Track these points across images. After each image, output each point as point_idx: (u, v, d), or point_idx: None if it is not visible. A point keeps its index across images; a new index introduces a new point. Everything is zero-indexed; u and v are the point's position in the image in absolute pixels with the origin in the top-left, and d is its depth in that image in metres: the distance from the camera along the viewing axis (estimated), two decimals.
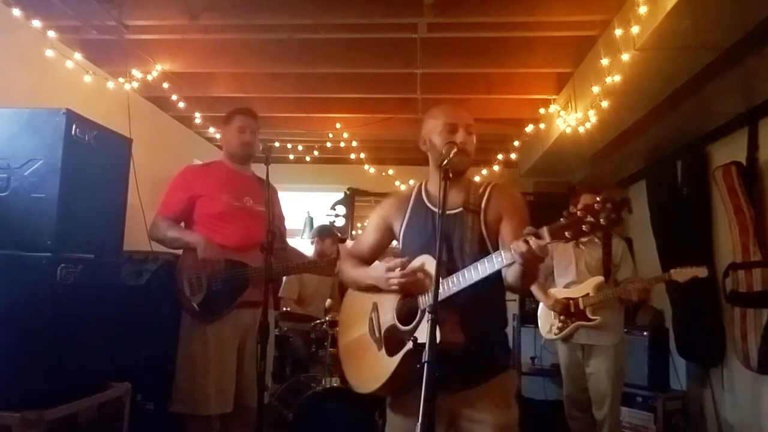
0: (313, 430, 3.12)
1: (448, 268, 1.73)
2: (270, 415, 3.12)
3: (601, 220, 1.42)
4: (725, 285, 3.67)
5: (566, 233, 1.48)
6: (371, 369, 1.88)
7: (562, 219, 1.50)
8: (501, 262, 1.61)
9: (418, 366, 1.42)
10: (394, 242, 2.07)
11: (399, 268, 1.78)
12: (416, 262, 1.82)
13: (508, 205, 1.86)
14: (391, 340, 1.83)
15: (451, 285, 1.69)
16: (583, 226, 1.45)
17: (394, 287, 1.80)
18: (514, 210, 1.86)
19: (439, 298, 1.63)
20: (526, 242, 1.51)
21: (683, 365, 4.42)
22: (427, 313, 1.48)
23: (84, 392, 2.23)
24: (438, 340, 1.56)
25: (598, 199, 1.45)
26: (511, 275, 1.72)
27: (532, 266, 1.59)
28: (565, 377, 3.66)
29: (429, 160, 1.96)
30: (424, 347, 1.44)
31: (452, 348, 1.63)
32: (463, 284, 1.67)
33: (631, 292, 3.40)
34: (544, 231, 1.50)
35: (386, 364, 1.81)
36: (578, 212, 1.47)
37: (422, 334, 1.43)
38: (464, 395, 1.77)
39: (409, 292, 1.81)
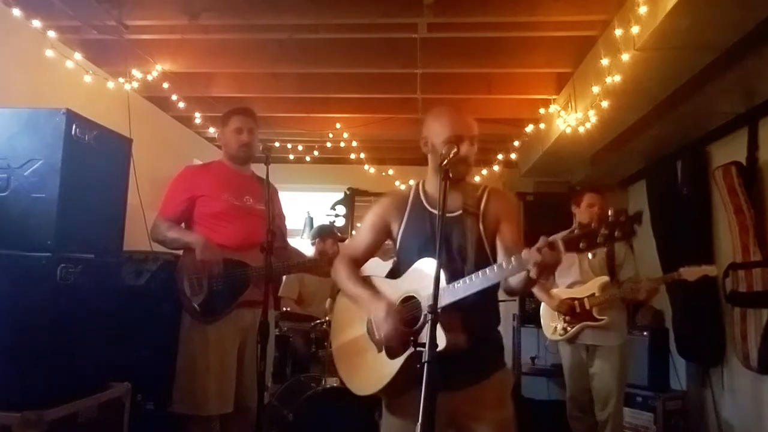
0: (313, 430, 3.11)
1: (450, 271, 1.73)
2: (270, 415, 3.12)
3: (616, 232, 1.45)
4: (725, 285, 3.66)
5: (580, 244, 1.51)
6: (371, 371, 1.87)
7: (576, 230, 1.52)
8: (512, 269, 1.62)
9: (417, 366, 1.43)
10: (387, 241, 2.07)
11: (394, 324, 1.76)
12: (416, 265, 1.83)
13: (506, 209, 1.92)
14: (393, 342, 1.82)
15: (458, 289, 1.69)
16: (598, 238, 1.48)
17: (382, 337, 1.79)
18: (512, 214, 1.94)
19: (446, 303, 1.65)
20: (540, 252, 1.52)
21: (683, 365, 4.43)
22: (427, 314, 1.48)
23: (84, 392, 2.23)
24: (444, 345, 1.58)
25: (610, 211, 1.47)
26: (514, 279, 1.74)
27: (545, 275, 1.60)
28: (568, 378, 3.63)
29: (428, 161, 1.96)
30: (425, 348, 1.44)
31: (455, 352, 1.64)
32: (472, 290, 1.67)
33: (639, 291, 3.38)
34: (559, 242, 1.51)
35: (388, 367, 1.80)
36: (593, 224, 1.50)
37: (426, 336, 1.44)
38: (464, 393, 1.79)
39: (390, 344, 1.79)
